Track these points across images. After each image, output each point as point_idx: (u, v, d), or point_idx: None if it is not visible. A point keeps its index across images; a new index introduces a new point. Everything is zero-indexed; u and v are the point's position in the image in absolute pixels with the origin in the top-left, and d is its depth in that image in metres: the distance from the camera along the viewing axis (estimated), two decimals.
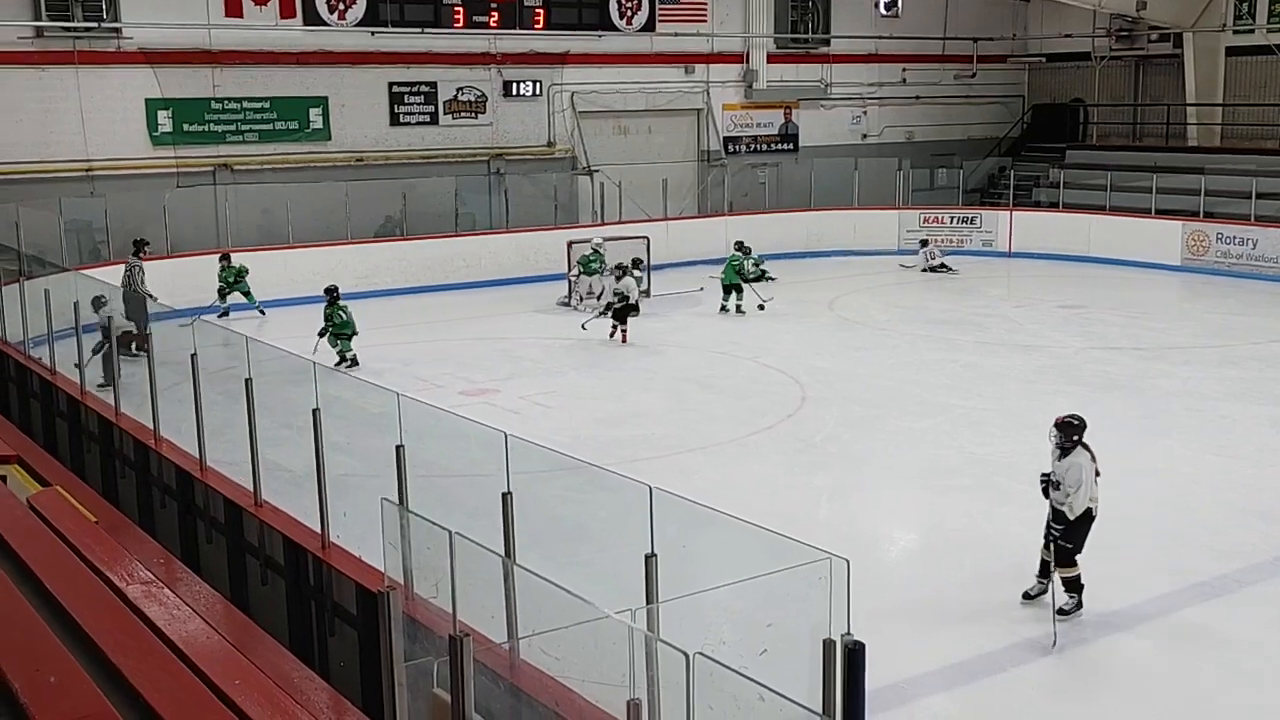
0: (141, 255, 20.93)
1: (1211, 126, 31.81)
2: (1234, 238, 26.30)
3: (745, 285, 22.87)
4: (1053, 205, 30.36)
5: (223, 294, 22.50)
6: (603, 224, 27.58)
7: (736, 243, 24.26)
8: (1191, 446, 14.12)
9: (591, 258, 23.39)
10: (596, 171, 29.06)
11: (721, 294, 22.76)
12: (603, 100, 29.48)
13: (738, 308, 22.68)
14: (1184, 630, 9.59)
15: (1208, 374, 17.40)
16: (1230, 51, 31.12)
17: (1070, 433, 9.67)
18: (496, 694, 5.23)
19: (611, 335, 20.33)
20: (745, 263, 23.45)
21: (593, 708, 5.95)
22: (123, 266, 20.85)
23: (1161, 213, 27.74)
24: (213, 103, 25.15)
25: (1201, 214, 27.14)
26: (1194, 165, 28.94)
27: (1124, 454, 13.77)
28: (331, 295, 18.83)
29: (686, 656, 3.98)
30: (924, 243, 28.09)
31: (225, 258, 22.78)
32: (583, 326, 20.67)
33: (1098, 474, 9.69)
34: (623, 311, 20.28)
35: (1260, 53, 30.40)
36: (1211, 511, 11.95)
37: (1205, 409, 15.68)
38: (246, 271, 22.70)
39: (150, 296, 19.83)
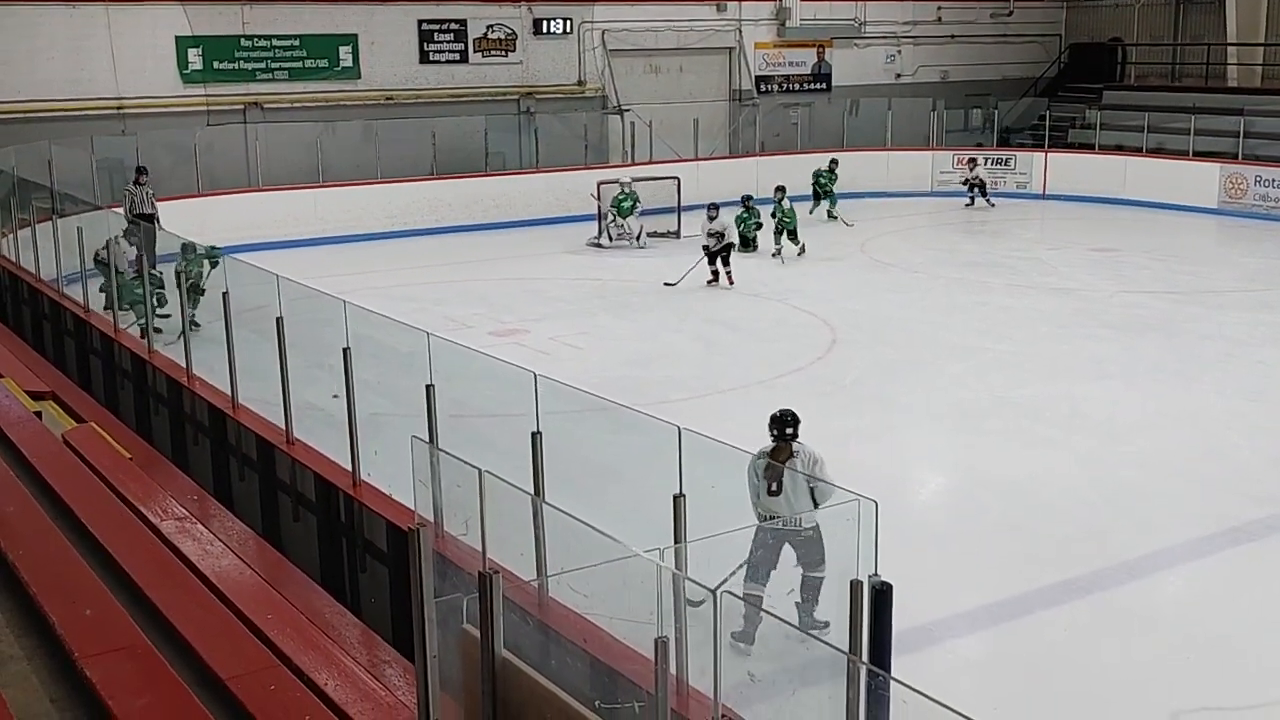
0: (139, 183, 20.75)
1: (1253, 67, 31.23)
2: (1273, 180, 25.90)
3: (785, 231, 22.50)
4: (1088, 147, 29.94)
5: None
6: (633, 164, 27.44)
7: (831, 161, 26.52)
8: (1225, 392, 14.00)
9: (623, 198, 23.27)
10: (627, 111, 28.87)
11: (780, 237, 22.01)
12: (633, 38, 29.23)
13: (829, 214, 24.87)
14: (1215, 575, 9.57)
15: (1242, 318, 17.22)
16: None
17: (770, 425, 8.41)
18: (525, 630, 5.27)
19: (713, 281, 19.60)
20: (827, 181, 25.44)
21: (620, 644, 6.00)
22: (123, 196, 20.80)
23: (1199, 155, 27.35)
24: (242, 40, 25.10)
25: (1240, 156, 26.73)
26: (1233, 106, 28.46)
27: (1157, 398, 13.73)
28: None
29: (713, 595, 4.00)
30: (973, 162, 28.56)
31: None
32: (667, 283, 19.61)
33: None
34: (723, 251, 19.59)
35: None
36: (1245, 457, 11.87)
37: (1240, 354, 15.53)
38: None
39: (152, 218, 19.92)
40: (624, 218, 23.14)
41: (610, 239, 23.18)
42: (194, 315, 12.97)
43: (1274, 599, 9.01)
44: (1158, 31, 33.77)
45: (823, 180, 26.44)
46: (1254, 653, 8.21)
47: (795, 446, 8.17)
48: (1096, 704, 7.53)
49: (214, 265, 14.63)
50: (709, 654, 4.28)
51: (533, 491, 7.23)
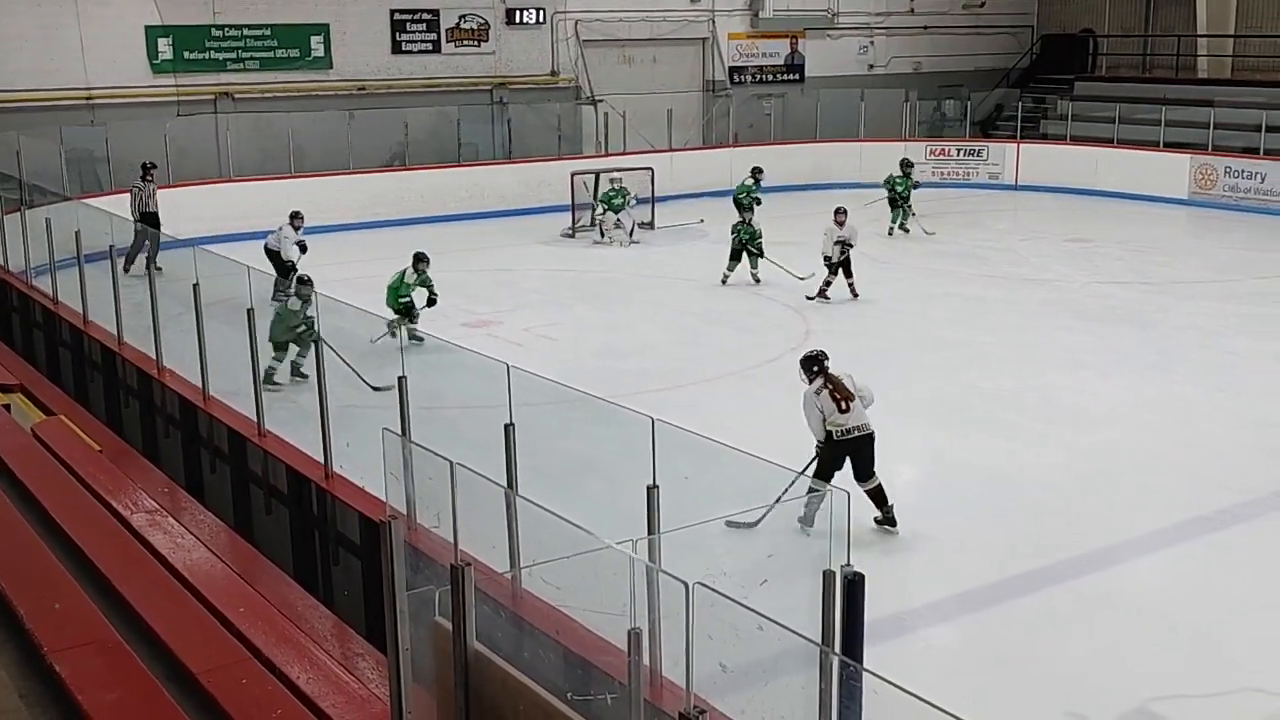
0: (146, 179, 20.58)
1: (1222, 59, 31.45)
2: (1242, 171, 26.08)
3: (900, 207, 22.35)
4: (1060, 138, 30.07)
5: None
6: (606, 154, 27.41)
7: (903, 160, 23.59)
8: (1197, 382, 14.10)
9: (613, 193, 22.94)
10: (600, 101, 28.83)
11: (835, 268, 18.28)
12: (607, 29, 29.17)
13: (901, 226, 22.74)
14: (1187, 564, 9.63)
15: (1214, 309, 17.33)
16: None
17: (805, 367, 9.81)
18: (498, 622, 5.26)
19: (822, 293, 17.82)
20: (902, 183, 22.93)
21: (593, 636, 6.00)
22: (129, 194, 20.64)
23: (1170, 146, 27.48)
24: (213, 30, 24.91)
25: (1210, 147, 26.88)
26: (1203, 98, 28.62)
27: (1130, 389, 13.81)
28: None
29: (686, 586, 3.99)
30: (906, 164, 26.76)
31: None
32: (810, 298, 17.78)
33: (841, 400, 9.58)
34: (847, 260, 17.86)
35: None
36: (1217, 446, 11.95)
37: (1211, 344, 15.64)
38: None
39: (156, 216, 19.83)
40: (616, 213, 22.87)
41: (601, 234, 22.94)
42: (301, 364, 12.80)
43: (1245, 587, 9.08)
44: (1128, 23, 33.94)
45: (898, 185, 23.07)
46: (1225, 640, 8.27)
47: (832, 373, 9.67)
48: (1068, 692, 7.57)
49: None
50: (681, 645, 4.28)
51: (505, 484, 7.22)
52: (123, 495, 8.59)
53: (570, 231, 23.58)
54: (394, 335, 12.14)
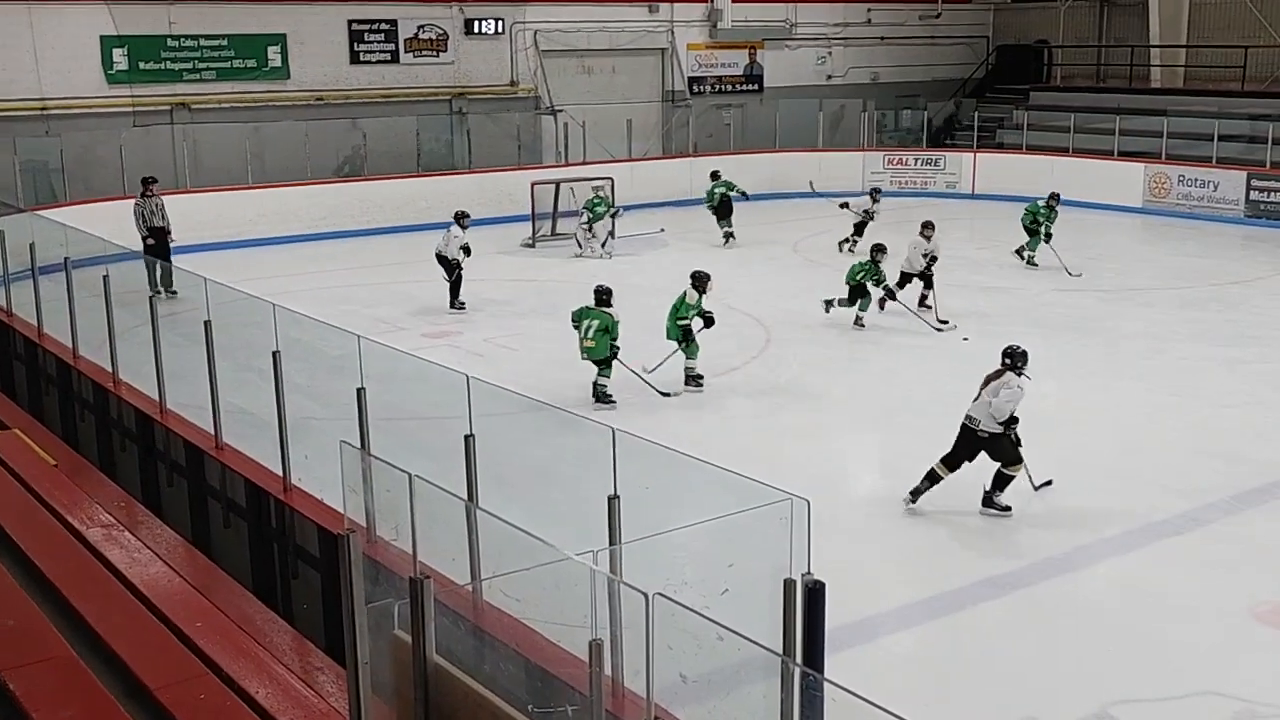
0: (147, 194, 20.13)
1: (1175, 69, 31.85)
2: (1195, 180, 26.42)
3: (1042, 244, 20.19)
4: (1016, 147, 30.35)
5: None
6: (566, 164, 27.41)
7: (1052, 195, 21.18)
8: (1151, 388, 14.26)
9: (596, 201, 22.79)
10: (560, 111, 28.84)
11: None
12: (566, 39, 29.21)
13: (1029, 260, 20.53)
14: (1139, 569, 9.73)
15: (1167, 316, 17.53)
16: None
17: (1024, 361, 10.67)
18: (458, 635, 5.24)
19: (926, 306, 17.34)
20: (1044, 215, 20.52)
21: (555, 647, 5.99)
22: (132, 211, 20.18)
23: (1124, 155, 27.82)
24: (169, 40, 24.75)
25: (1164, 156, 27.22)
26: (1157, 107, 28.99)
27: (1083, 395, 13.93)
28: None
29: (646, 597, 4.00)
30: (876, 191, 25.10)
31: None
32: (940, 326, 17.05)
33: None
34: (930, 274, 17.41)
35: None
36: (1170, 452, 12.09)
37: (1165, 350, 15.82)
38: None
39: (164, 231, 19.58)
40: (598, 223, 22.73)
41: (579, 245, 22.71)
42: None
43: (1196, 591, 9.18)
44: (1083, 33, 34.32)
45: (1041, 217, 20.96)
46: (1177, 644, 8.36)
47: (1006, 376, 10.42)
48: (1026, 697, 7.64)
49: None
50: (643, 656, 4.28)
51: (466, 495, 7.20)
52: (78, 510, 8.50)
53: (531, 241, 23.56)
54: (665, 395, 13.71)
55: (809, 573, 5.12)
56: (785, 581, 5.13)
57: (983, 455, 10.47)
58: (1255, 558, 9.71)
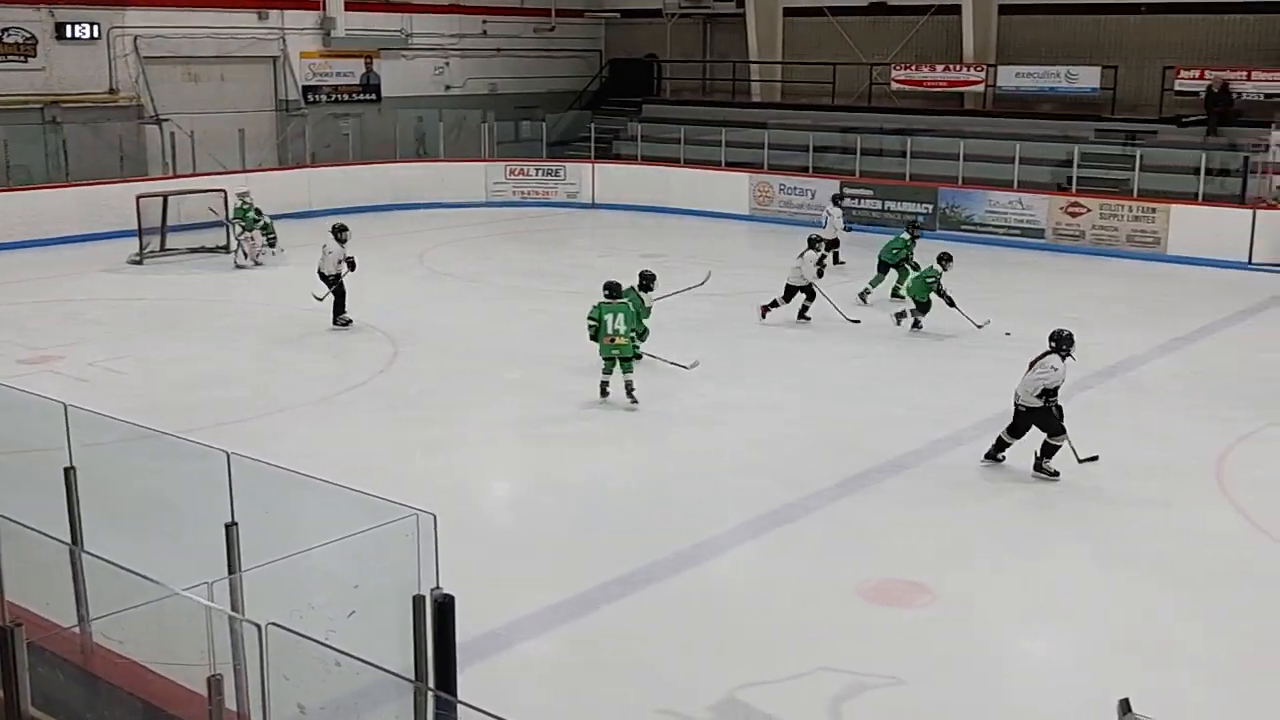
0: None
1: (773, 84, 33.86)
2: (795, 188, 28.20)
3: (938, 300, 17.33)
4: (632, 158, 31.38)
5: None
6: (175, 176, 26.08)
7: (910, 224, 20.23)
8: (768, 385, 15.03)
9: (245, 208, 22.19)
10: (166, 120, 27.38)
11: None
12: (170, 45, 27.79)
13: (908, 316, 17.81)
14: (758, 557, 10.24)
15: (780, 318, 18.49)
16: (788, 13, 33.26)
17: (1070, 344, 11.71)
18: (60, 682, 4.86)
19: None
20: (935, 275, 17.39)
21: (176, 686, 5.66)
22: None
23: (731, 165, 29.33)
24: None
25: (766, 166, 28.90)
26: (758, 120, 30.77)
27: (704, 395, 14.53)
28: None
29: (258, 628, 3.83)
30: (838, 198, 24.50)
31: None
32: (978, 325, 17.17)
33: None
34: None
35: (814, 14, 32.65)
36: (782, 445, 12.78)
37: (779, 349, 16.73)
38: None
39: None
40: (250, 230, 21.94)
41: (244, 255, 22.07)
42: None
43: (811, 574, 9.76)
44: (689, 48, 35.93)
45: (895, 250, 19.46)
46: (795, 625, 8.86)
47: (1049, 357, 11.52)
48: (659, 690, 7.86)
49: None
50: (267, 687, 4.11)
51: (69, 530, 6.70)
52: None
53: (138, 258, 22.26)
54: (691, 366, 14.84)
55: (438, 587, 5.07)
56: (415, 598, 5.06)
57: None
58: (859, 541, 10.43)
